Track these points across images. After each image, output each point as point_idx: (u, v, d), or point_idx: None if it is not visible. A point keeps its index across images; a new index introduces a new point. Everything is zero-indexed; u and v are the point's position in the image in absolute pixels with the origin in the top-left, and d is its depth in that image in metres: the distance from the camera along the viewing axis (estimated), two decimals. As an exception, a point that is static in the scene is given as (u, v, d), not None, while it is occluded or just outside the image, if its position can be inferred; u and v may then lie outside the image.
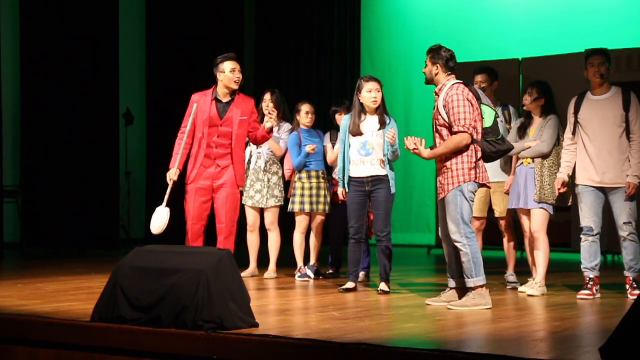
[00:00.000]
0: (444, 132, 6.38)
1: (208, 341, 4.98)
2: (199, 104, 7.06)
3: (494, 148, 6.44)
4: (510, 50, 12.05)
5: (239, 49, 12.72)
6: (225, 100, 7.08)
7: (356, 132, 7.31)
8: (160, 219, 6.85)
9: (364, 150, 7.31)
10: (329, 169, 8.52)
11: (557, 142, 7.23)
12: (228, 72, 7.03)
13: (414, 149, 6.39)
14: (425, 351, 4.54)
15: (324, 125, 8.81)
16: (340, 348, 4.67)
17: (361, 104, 7.33)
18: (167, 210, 6.86)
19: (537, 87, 7.34)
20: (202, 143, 7.02)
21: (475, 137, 6.35)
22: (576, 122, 7.02)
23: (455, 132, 6.28)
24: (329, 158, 8.43)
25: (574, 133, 7.05)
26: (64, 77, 11.78)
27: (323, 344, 4.75)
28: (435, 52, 6.48)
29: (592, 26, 11.73)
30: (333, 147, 8.38)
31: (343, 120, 7.53)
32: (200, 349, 4.99)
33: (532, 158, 7.24)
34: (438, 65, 6.45)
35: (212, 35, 12.69)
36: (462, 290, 6.42)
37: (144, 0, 13.27)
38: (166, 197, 6.89)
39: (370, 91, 7.29)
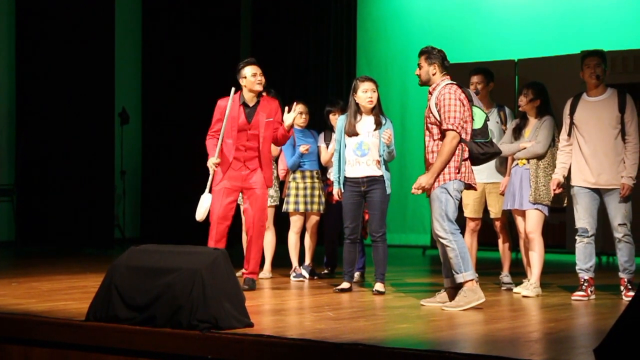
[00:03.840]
0: (435, 130, 6.42)
1: (203, 341, 4.98)
2: (231, 110, 7.28)
3: (482, 150, 6.48)
4: (506, 52, 12.06)
5: (235, 48, 12.75)
6: (251, 104, 7.34)
7: (352, 132, 7.32)
8: (204, 205, 7.16)
9: (359, 150, 7.31)
10: (323, 169, 8.52)
11: (553, 143, 7.24)
12: (250, 77, 7.32)
13: (418, 187, 6.40)
14: (419, 352, 4.54)
15: (319, 125, 8.81)
16: (335, 348, 4.67)
17: (357, 104, 7.33)
18: (210, 196, 7.19)
19: (532, 88, 7.35)
20: (231, 147, 7.26)
21: (463, 137, 6.39)
22: (572, 123, 7.03)
23: (445, 130, 6.32)
24: (323, 158, 8.43)
25: (569, 134, 7.06)
26: (59, 76, 11.77)
27: (318, 344, 4.75)
28: (430, 53, 6.52)
29: (588, 28, 11.75)
30: (327, 147, 8.38)
31: (339, 120, 7.54)
32: (195, 349, 4.99)
33: (528, 159, 7.25)
34: (435, 65, 6.49)
35: (208, 35, 12.70)
36: (457, 290, 6.43)
37: (140, -1, 13.28)
38: (209, 184, 7.20)
39: (366, 91, 7.30)
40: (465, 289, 6.30)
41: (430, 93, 6.51)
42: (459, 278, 6.32)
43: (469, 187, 6.53)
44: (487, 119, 6.57)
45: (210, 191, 7.20)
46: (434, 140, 6.43)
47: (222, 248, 7.01)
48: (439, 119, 6.37)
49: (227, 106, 7.26)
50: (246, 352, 4.85)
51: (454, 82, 6.51)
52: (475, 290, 6.31)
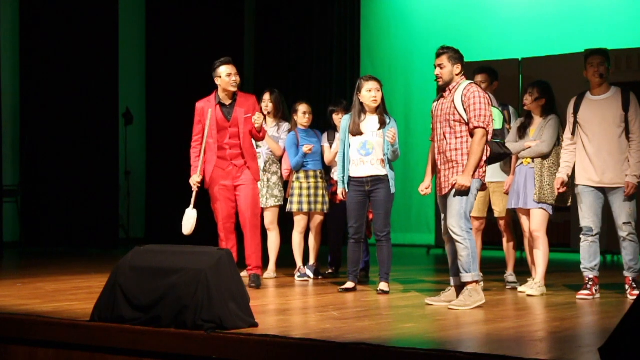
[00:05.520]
0: (458, 127, 6.40)
1: (208, 341, 4.98)
2: (205, 110, 7.35)
3: (501, 150, 6.58)
4: (510, 51, 12.05)
5: (238, 48, 12.75)
6: (228, 102, 7.37)
7: (356, 132, 7.31)
8: (189, 221, 7.22)
9: (364, 150, 7.31)
10: (327, 168, 8.52)
11: (558, 142, 7.23)
12: (225, 77, 7.34)
13: (458, 188, 6.33)
14: (424, 351, 4.54)
15: (323, 125, 8.80)
16: (339, 348, 4.67)
17: (361, 103, 7.33)
18: (195, 211, 7.24)
19: (538, 87, 7.34)
20: (214, 147, 7.33)
21: (488, 137, 6.42)
22: (576, 122, 7.02)
23: (475, 128, 6.32)
24: (327, 158, 8.42)
25: (573, 133, 7.05)
26: (63, 76, 11.78)
27: (322, 344, 4.75)
28: (453, 53, 6.51)
29: (592, 26, 11.73)
30: (331, 147, 8.38)
31: (343, 120, 7.53)
32: (199, 349, 5.00)
33: (532, 158, 7.24)
34: (459, 65, 6.50)
35: (212, 35, 12.70)
36: (463, 288, 6.45)
37: (144, -1, 13.29)
38: (192, 199, 7.25)
39: (370, 91, 7.30)
40: (470, 288, 6.31)
41: (450, 91, 6.49)
42: (467, 277, 6.33)
43: (482, 187, 6.54)
44: (504, 120, 6.62)
45: (194, 207, 7.23)
46: (457, 138, 6.40)
47: (234, 243, 7.39)
48: (464, 117, 6.37)
49: (207, 124, 7.29)
50: (251, 352, 4.86)
51: (475, 82, 6.51)
52: (478, 291, 6.34)
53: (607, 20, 11.69)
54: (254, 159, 7.46)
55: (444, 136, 6.47)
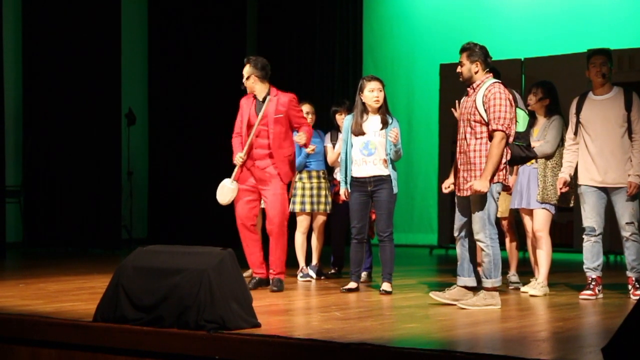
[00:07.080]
0: (478, 128, 6.32)
1: (210, 341, 4.98)
2: (245, 106, 7.29)
3: (523, 154, 6.45)
4: (512, 51, 12.03)
5: (241, 48, 12.74)
6: (261, 98, 7.30)
7: (359, 132, 7.31)
8: (230, 193, 7.16)
9: (366, 150, 7.31)
10: (329, 169, 8.51)
11: (561, 142, 7.22)
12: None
13: (474, 193, 6.27)
14: (427, 351, 4.54)
15: (326, 125, 8.80)
16: (342, 348, 4.66)
17: (363, 103, 7.33)
18: (236, 184, 7.18)
19: (542, 87, 7.33)
20: (245, 144, 7.24)
21: (509, 139, 6.32)
22: (578, 122, 7.02)
23: (494, 130, 6.24)
24: (330, 159, 8.42)
25: (575, 133, 7.05)
26: (66, 77, 11.78)
27: (325, 344, 4.75)
28: (472, 50, 6.44)
29: (595, 26, 11.73)
30: (334, 147, 8.38)
31: (345, 120, 7.53)
32: (202, 349, 5.00)
33: (536, 158, 7.23)
34: (478, 63, 6.42)
35: (214, 35, 12.70)
36: (470, 289, 6.43)
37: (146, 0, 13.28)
38: (234, 174, 7.21)
39: (372, 91, 7.29)
40: (488, 293, 6.30)
41: (474, 89, 6.42)
42: (488, 283, 6.31)
43: (505, 188, 6.50)
44: (529, 123, 6.54)
45: (235, 179, 7.21)
46: (477, 138, 6.33)
47: (255, 246, 7.34)
48: (485, 118, 6.31)
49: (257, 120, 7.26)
50: (253, 353, 4.86)
51: (500, 81, 6.46)
52: (494, 296, 6.33)
53: (610, 20, 11.68)
54: (284, 160, 7.25)
55: (465, 136, 6.39)
